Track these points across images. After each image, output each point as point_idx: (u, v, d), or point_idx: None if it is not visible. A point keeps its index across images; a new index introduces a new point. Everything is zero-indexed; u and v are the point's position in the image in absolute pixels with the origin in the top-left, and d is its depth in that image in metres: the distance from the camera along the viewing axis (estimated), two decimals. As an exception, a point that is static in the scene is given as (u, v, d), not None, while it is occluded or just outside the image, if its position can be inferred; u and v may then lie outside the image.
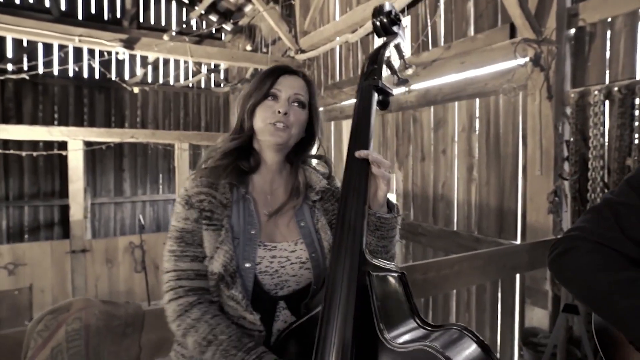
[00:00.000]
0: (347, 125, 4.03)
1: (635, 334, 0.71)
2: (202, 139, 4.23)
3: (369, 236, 0.88)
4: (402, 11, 3.12)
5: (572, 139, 2.05)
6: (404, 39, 0.99)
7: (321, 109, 4.28)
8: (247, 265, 0.88)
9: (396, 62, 0.99)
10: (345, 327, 0.67)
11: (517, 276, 2.46)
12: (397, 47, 0.97)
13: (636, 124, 1.85)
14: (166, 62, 6.27)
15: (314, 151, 1.06)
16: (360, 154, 0.80)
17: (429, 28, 2.95)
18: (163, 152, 6.29)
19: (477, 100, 2.68)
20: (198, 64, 6.10)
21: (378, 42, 1.01)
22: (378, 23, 0.94)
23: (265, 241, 0.92)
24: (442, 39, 2.86)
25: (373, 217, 0.86)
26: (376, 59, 0.90)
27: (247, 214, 0.92)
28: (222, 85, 6.23)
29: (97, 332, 1.03)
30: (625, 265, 0.75)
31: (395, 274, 0.74)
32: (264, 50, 4.99)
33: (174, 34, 4.80)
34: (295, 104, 0.95)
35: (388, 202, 0.89)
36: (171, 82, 6.06)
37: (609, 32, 1.98)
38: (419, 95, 3.12)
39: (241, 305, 0.85)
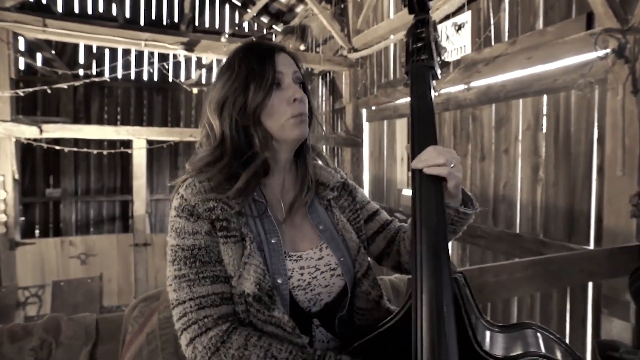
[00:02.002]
0: (400, 125, 3.98)
1: None
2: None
3: None
4: (463, 6, 3.04)
5: (659, 137, 1.89)
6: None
7: (374, 107, 4.27)
8: (279, 280, 0.73)
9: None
10: (450, 343, 0.58)
11: (590, 283, 2.31)
12: (435, 26, 0.84)
13: None
14: (219, 63, 6.47)
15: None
16: (414, 164, 0.71)
17: (492, 24, 2.84)
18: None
19: (545, 97, 2.55)
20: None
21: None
22: None
23: (290, 251, 0.78)
24: (507, 34, 2.74)
25: (452, 212, 0.78)
26: (421, 36, 0.78)
27: (264, 221, 0.77)
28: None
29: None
30: None
31: (460, 275, 0.68)
32: (317, 50, 5.03)
33: (226, 36, 4.96)
34: (298, 84, 0.80)
35: (464, 194, 0.80)
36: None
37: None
38: (479, 92, 3.01)
39: (286, 329, 0.70)
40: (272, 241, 0.76)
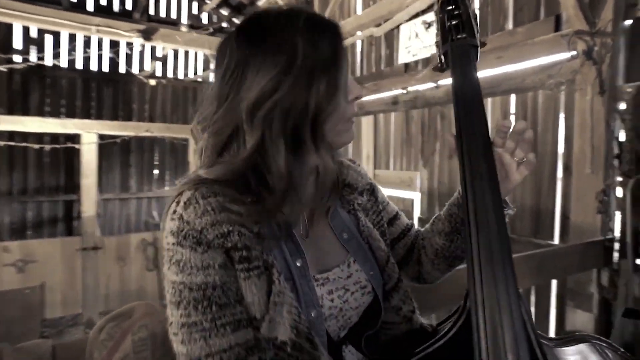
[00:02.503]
0: (366, 122, 3.95)
1: None
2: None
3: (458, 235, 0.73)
4: (430, 6, 3.05)
5: (625, 136, 1.97)
6: None
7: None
8: (313, 314, 0.60)
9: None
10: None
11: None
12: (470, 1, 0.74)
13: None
14: (175, 55, 6.16)
15: None
16: (501, 127, 0.62)
17: (462, 22, 2.87)
18: (170, 147, 6.17)
19: (513, 96, 2.61)
20: (209, 59, 5.99)
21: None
22: None
23: (315, 273, 0.64)
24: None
25: None
26: (456, 12, 0.69)
27: (287, 241, 0.62)
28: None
29: (163, 342, 0.92)
30: None
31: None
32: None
33: (184, 28, 4.71)
34: None
35: None
36: (180, 76, 5.95)
37: (665, 26, 1.91)
38: (448, 91, 3.04)
39: None
40: (297, 264, 0.61)
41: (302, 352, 0.55)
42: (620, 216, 2.05)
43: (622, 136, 2.02)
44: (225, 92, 0.60)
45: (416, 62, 3.29)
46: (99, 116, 5.83)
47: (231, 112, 0.59)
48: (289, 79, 0.56)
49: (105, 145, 4.33)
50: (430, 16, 3.06)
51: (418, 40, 3.20)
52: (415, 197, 3.51)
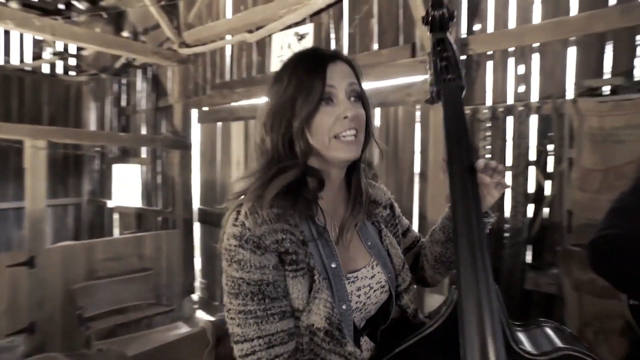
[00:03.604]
0: (236, 128, 3.89)
1: None
2: (64, 135, 3.50)
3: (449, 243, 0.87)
4: (304, 20, 3.20)
5: (466, 148, 2.40)
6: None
7: (206, 108, 4.05)
8: (343, 307, 0.74)
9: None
10: (498, 351, 0.60)
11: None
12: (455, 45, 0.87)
13: (508, 139, 2.28)
14: (7, 35, 5.02)
15: None
16: (479, 164, 0.76)
17: (333, 40, 3.09)
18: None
19: (378, 109, 2.92)
20: (40, 45, 5.07)
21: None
22: (438, 15, 0.84)
23: (347, 273, 0.78)
24: (347, 51, 3.02)
25: None
26: (445, 55, 0.80)
27: (324, 246, 0.76)
28: (74, 73, 5.29)
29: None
30: None
31: (496, 285, 0.74)
32: (142, 39, 4.44)
33: (15, 5, 3.91)
34: (353, 99, 0.77)
35: None
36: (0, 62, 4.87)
37: (489, 62, 2.40)
38: (319, 101, 3.22)
39: None
40: (333, 266, 0.75)
41: (332, 338, 0.70)
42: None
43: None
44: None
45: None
46: None
47: (257, 126, 0.81)
48: (281, 100, 0.75)
49: None
50: (304, 29, 3.21)
51: (290, 51, 3.31)
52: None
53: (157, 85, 4.64)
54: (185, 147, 4.23)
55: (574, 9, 2.09)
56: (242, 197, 0.75)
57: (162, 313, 3.50)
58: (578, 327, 1.86)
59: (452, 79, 0.80)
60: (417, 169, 2.73)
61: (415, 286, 0.91)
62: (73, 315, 3.00)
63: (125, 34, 4.38)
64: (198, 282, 4.35)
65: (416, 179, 2.74)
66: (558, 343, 0.72)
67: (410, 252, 0.99)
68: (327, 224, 0.78)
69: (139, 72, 4.85)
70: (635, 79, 1.90)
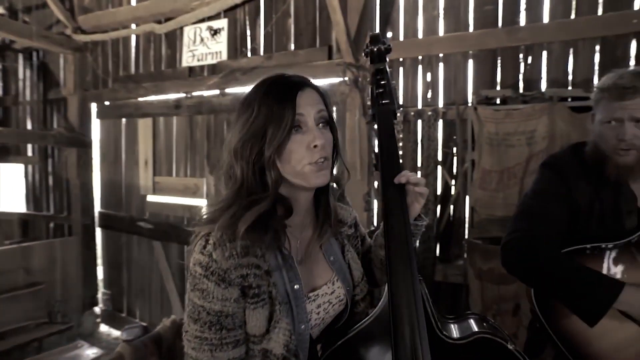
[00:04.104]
0: (143, 124, 3.60)
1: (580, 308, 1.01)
2: None
3: None
4: (219, 14, 3.07)
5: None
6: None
7: (108, 103, 3.69)
8: (302, 327, 0.78)
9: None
10: (422, 334, 0.69)
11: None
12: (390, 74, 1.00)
13: (419, 141, 2.45)
14: None
15: None
16: (400, 179, 0.81)
17: (249, 36, 3.01)
18: None
19: (296, 110, 2.92)
20: None
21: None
22: (376, 49, 0.96)
23: (308, 292, 0.82)
24: (263, 49, 2.96)
25: (412, 226, 0.87)
26: (382, 83, 0.93)
27: (288, 270, 0.79)
28: None
29: None
30: (564, 255, 1.08)
31: (421, 278, 0.81)
32: (25, 19, 3.86)
33: None
34: (321, 125, 0.78)
35: None
36: None
37: (401, 69, 2.55)
38: (235, 99, 3.12)
39: None
40: (295, 287, 0.78)
41: None
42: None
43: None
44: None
45: (201, 68, 3.23)
46: None
47: (225, 153, 0.81)
48: (251, 128, 0.75)
49: None
50: (218, 23, 3.08)
51: (204, 46, 3.16)
52: (203, 203, 3.45)
53: (45, 74, 4.10)
54: (84, 144, 3.81)
55: (472, 25, 2.31)
56: (210, 224, 0.76)
57: (57, 332, 3.13)
58: (480, 312, 2.07)
59: (387, 103, 0.91)
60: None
61: (370, 296, 0.97)
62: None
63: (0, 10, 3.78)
64: (101, 293, 3.96)
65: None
66: (476, 329, 0.81)
67: (366, 258, 1.05)
68: (293, 248, 0.81)
69: (20, 57, 4.23)
70: (520, 91, 2.17)
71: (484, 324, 0.82)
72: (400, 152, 2.46)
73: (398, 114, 0.97)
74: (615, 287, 1.02)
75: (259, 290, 0.74)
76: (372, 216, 2.59)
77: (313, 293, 0.83)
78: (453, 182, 2.33)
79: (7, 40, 3.95)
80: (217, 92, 3.16)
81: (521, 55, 2.19)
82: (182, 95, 3.32)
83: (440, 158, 2.38)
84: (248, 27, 3.02)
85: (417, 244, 1.07)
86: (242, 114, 0.78)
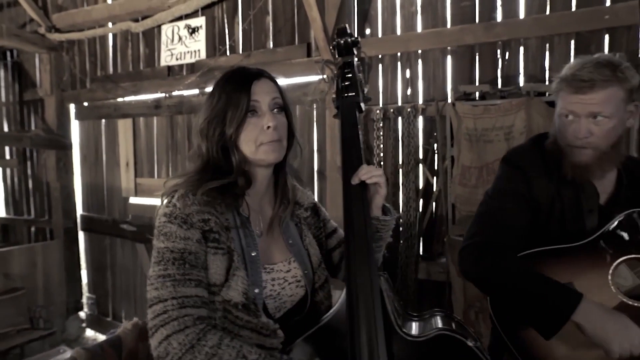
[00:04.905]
0: (123, 125, 3.54)
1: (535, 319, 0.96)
2: None
3: None
4: (196, 12, 3.01)
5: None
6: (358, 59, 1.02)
7: (87, 104, 3.62)
8: (256, 291, 0.82)
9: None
10: (378, 330, 0.71)
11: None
12: (358, 67, 1.02)
13: (399, 138, 2.44)
14: None
15: None
16: (354, 180, 0.85)
17: (227, 34, 2.96)
18: None
19: (277, 108, 2.89)
20: None
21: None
22: (342, 42, 0.97)
23: (265, 263, 0.87)
24: (241, 47, 2.92)
25: (375, 221, 0.92)
26: (348, 76, 0.94)
27: (245, 233, 0.86)
28: None
29: None
30: (520, 262, 1.04)
31: (385, 274, 0.83)
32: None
33: None
34: (276, 110, 0.89)
35: (383, 206, 0.96)
36: None
37: (380, 65, 2.53)
38: (215, 98, 3.08)
39: (267, 333, 0.78)
40: (252, 254, 0.84)
41: (249, 311, 0.77)
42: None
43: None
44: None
45: (180, 67, 3.18)
46: None
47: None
48: (213, 113, 0.87)
49: None
50: (196, 21, 3.02)
51: (182, 45, 3.10)
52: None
53: (20, 74, 4.00)
54: (63, 146, 3.74)
55: (449, 21, 2.30)
56: (177, 184, 0.85)
57: (39, 338, 3.08)
58: (463, 310, 2.08)
59: (352, 96, 0.92)
60: (316, 167, 2.78)
61: (330, 284, 0.99)
62: None
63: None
64: (85, 297, 3.91)
65: (316, 177, 2.79)
66: (439, 326, 0.81)
67: (336, 252, 1.09)
68: (252, 218, 0.88)
69: (-6, 59, 4.12)
70: (498, 86, 2.16)
71: (449, 321, 0.81)
72: (381, 150, 2.45)
73: (363, 107, 0.97)
74: (574, 299, 0.93)
75: (219, 237, 0.79)
76: (355, 214, 2.57)
77: (269, 266, 0.88)
78: (434, 179, 2.33)
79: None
80: (196, 91, 3.11)
81: (499, 51, 2.19)
82: (162, 95, 3.27)
83: (421, 155, 2.37)
84: (226, 25, 2.97)
85: (390, 239, 1.03)
86: (207, 101, 0.90)
